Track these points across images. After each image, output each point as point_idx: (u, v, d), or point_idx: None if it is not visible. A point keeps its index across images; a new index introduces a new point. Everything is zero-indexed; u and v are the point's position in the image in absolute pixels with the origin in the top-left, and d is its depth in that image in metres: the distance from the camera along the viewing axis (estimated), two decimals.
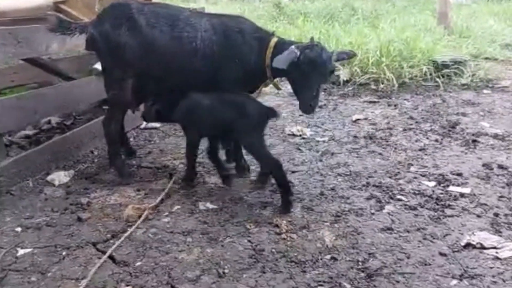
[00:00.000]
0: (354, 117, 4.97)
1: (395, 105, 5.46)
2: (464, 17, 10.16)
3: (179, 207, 2.96)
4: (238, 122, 2.94)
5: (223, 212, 2.89)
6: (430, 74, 6.41)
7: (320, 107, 5.48)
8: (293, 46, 2.94)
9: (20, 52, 3.15)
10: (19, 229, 2.74)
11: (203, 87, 3.27)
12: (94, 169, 3.66)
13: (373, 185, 3.24)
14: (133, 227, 2.70)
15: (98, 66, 3.86)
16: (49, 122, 4.41)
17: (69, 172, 3.49)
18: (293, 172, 3.54)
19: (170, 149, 4.11)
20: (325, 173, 3.51)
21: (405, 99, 5.74)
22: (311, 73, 2.92)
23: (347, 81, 6.46)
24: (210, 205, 2.97)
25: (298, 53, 2.89)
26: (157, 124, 4.66)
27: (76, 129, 3.83)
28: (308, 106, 2.97)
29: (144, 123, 4.68)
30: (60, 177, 3.41)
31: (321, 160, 3.78)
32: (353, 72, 6.53)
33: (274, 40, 3.14)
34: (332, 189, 3.21)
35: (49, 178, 3.39)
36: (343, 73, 6.52)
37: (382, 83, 6.27)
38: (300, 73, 2.94)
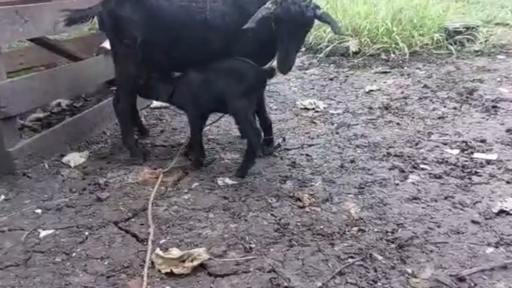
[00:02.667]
0: (367, 88, 4.87)
1: (408, 75, 5.35)
2: None
3: (197, 184, 2.92)
4: (229, 87, 2.87)
5: (243, 188, 2.84)
6: (442, 42, 6.27)
7: (331, 79, 5.40)
8: (268, 2, 2.86)
9: (27, 30, 3.06)
10: (39, 210, 2.71)
11: (213, 57, 3.19)
12: (108, 149, 3.61)
13: (394, 155, 3.18)
14: (151, 200, 2.67)
15: (106, 44, 3.78)
16: (59, 104, 4.34)
17: (84, 153, 3.45)
18: (309, 145, 3.48)
19: (183, 127, 4.04)
20: (343, 145, 3.45)
21: (417, 68, 5.62)
22: (287, 27, 2.80)
23: (356, 53, 6.33)
24: (229, 181, 2.93)
25: (272, 8, 2.80)
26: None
27: (87, 111, 3.76)
28: (285, 63, 2.84)
29: (154, 103, 4.61)
30: (76, 158, 3.37)
31: (337, 133, 3.71)
32: (362, 42, 6.38)
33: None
34: (352, 161, 3.15)
35: (64, 159, 3.35)
36: (352, 44, 6.36)
37: (393, 53, 6.14)
38: (277, 29, 2.84)
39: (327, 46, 6.31)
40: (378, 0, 6.95)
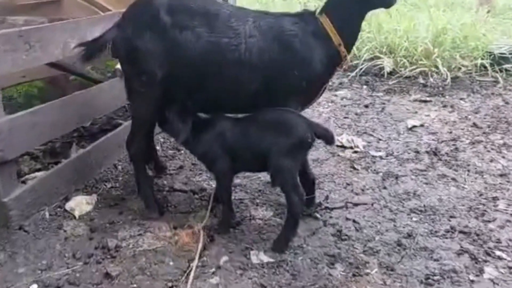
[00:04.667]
0: (409, 123, 4.35)
1: (451, 107, 4.83)
2: None
3: (227, 258, 2.42)
4: (275, 143, 2.39)
5: (282, 270, 2.34)
6: (485, 68, 5.73)
7: (366, 106, 4.88)
8: None
9: (33, 58, 2.54)
10: (35, 286, 2.23)
11: (248, 102, 2.72)
12: (119, 190, 3.12)
13: (460, 232, 2.68)
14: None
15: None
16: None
17: (91, 198, 2.96)
18: (354, 205, 2.98)
19: None
20: (395, 208, 2.95)
21: (461, 99, 5.09)
22: None
23: (391, 73, 5.80)
24: (265, 257, 2.43)
25: None
26: None
27: (97, 142, 3.25)
28: None
29: None
30: (82, 205, 2.88)
31: (385, 187, 3.21)
32: (398, 62, 5.85)
33: (322, 18, 2.64)
34: (409, 235, 2.65)
35: (68, 206, 2.86)
36: (386, 63, 5.83)
37: (431, 77, 5.60)
38: None
39: (359, 64, 5.78)
40: (418, 13, 6.36)
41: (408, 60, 5.78)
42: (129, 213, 2.84)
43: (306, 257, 2.44)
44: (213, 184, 3.22)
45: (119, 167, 3.43)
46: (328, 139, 2.47)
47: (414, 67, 5.72)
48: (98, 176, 3.25)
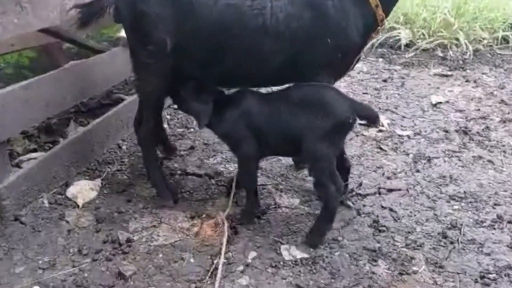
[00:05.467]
0: (433, 100, 4.05)
1: (474, 82, 4.53)
2: None
3: (255, 254, 2.14)
4: (310, 125, 2.06)
5: (319, 267, 2.07)
6: (505, 40, 5.41)
7: (384, 80, 4.57)
8: None
9: (25, 22, 2.16)
10: None
11: (272, 76, 2.39)
12: (126, 174, 2.81)
13: (508, 222, 2.41)
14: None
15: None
16: None
17: (95, 183, 2.63)
18: (388, 190, 2.70)
19: (216, 142, 3.23)
20: (432, 194, 2.67)
21: (483, 73, 4.79)
22: None
23: (407, 45, 5.46)
24: (297, 252, 2.15)
25: None
26: None
27: (98, 120, 2.91)
28: None
29: None
30: (85, 191, 2.56)
31: (418, 171, 2.92)
32: (415, 34, 5.49)
33: None
34: (453, 225, 2.38)
35: (69, 193, 2.54)
36: (404, 34, 5.48)
37: (451, 49, 5.27)
38: None
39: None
40: None
41: (426, 32, 5.42)
42: (139, 201, 2.53)
43: (343, 252, 2.16)
44: (229, 166, 2.93)
45: (124, 147, 3.10)
46: (373, 119, 2.15)
47: (432, 39, 5.38)
48: (100, 157, 2.92)
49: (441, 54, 5.25)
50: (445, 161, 3.05)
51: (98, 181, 2.67)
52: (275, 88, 2.53)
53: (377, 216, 2.44)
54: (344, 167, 2.38)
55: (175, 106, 3.70)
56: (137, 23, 2.22)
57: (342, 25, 2.27)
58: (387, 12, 2.35)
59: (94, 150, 2.86)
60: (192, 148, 3.16)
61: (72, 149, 2.68)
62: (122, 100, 3.53)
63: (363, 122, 3.52)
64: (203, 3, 2.16)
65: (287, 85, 2.30)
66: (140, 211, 2.45)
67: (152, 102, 2.45)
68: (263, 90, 2.48)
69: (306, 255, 2.13)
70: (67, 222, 2.33)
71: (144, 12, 2.17)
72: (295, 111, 2.09)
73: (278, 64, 2.31)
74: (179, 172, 2.84)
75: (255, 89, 2.41)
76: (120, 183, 2.70)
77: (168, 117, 3.58)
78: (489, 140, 3.34)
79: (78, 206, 2.45)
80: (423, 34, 5.41)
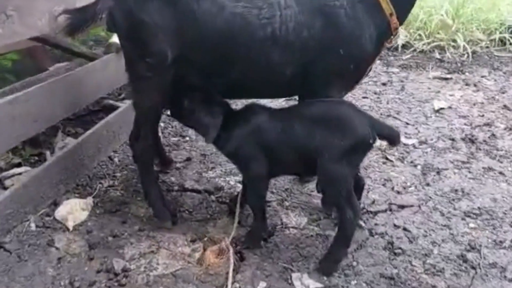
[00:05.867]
0: (436, 105, 3.93)
1: (474, 85, 4.43)
2: None
3: (264, 284, 1.96)
4: (327, 144, 1.90)
5: None
6: (502, 42, 5.34)
7: (384, 84, 4.44)
8: None
9: (11, 32, 1.93)
10: None
11: (281, 89, 2.25)
12: (119, 190, 2.60)
13: None
14: None
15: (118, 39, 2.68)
16: None
17: (86, 202, 2.43)
18: (399, 207, 2.56)
19: (214, 152, 3.05)
20: (446, 210, 2.54)
21: (482, 76, 4.69)
22: None
23: (404, 46, 5.35)
24: (310, 281, 1.98)
25: None
26: None
27: (89, 132, 2.69)
28: None
29: None
30: (75, 211, 2.35)
31: (428, 184, 2.79)
32: (412, 35, 5.38)
33: None
34: (472, 247, 2.25)
35: (58, 214, 2.33)
36: (400, 35, 5.35)
37: (448, 51, 5.18)
38: None
39: None
40: None
41: (422, 33, 5.31)
42: (135, 222, 2.34)
43: (360, 281, 2.00)
44: (230, 180, 2.75)
45: (116, 159, 2.90)
46: (394, 139, 2.00)
47: (429, 40, 5.28)
48: (91, 172, 2.71)
49: (438, 56, 5.16)
50: (454, 173, 2.92)
51: (89, 200, 2.46)
52: (281, 101, 2.35)
53: (391, 237, 2.30)
54: (358, 186, 2.22)
55: (169, 113, 3.55)
56: (135, 33, 2.02)
57: (355, 35, 2.12)
58: (401, 20, 2.21)
59: (85, 164, 2.65)
60: (188, 159, 2.97)
61: (61, 165, 2.46)
62: (112, 106, 3.32)
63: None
64: (206, 11, 1.98)
65: (300, 101, 2.13)
66: (136, 234, 2.25)
67: (150, 118, 2.25)
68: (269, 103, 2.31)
69: (320, 285, 1.97)
70: (57, 248, 2.13)
71: (142, 20, 1.97)
72: (311, 129, 1.92)
73: (288, 76, 2.16)
74: (176, 187, 2.65)
75: (262, 103, 2.24)
76: (113, 201, 2.50)
77: (162, 124, 3.38)
78: (497, 150, 3.22)
79: (68, 229, 2.25)
80: (420, 35, 5.30)
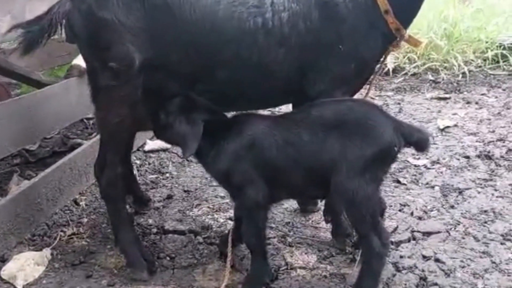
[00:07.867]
0: (440, 124, 3.61)
1: (476, 103, 4.16)
2: None
3: None
4: (344, 155, 1.50)
5: None
6: (494, 60, 5.14)
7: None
8: None
9: None
10: None
11: (273, 93, 1.93)
12: (85, 239, 2.14)
13: None
14: None
15: (81, 61, 2.32)
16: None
17: (42, 254, 1.96)
18: (424, 234, 2.13)
19: (199, 188, 2.64)
20: (481, 235, 2.12)
21: (482, 94, 4.43)
22: None
23: (394, 70, 5.11)
24: None
25: None
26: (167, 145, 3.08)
27: (49, 169, 2.26)
28: None
29: (149, 143, 3.16)
30: (27, 266, 1.88)
31: (452, 206, 2.38)
32: (400, 58, 5.16)
33: None
34: None
35: (5, 272, 1.85)
36: (389, 59, 5.12)
37: (442, 72, 4.94)
38: None
39: None
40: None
41: (412, 55, 5.10)
42: (103, 275, 1.87)
43: None
44: (219, 217, 2.32)
45: (82, 203, 2.44)
46: (423, 144, 1.61)
47: (419, 62, 5.06)
48: (51, 219, 2.25)
49: (431, 78, 4.91)
50: (479, 192, 2.53)
51: (47, 252, 1.99)
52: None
53: (423, 271, 1.86)
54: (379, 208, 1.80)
55: (146, 149, 3.14)
56: (96, 35, 1.68)
57: (358, 28, 1.80)
58: (403, 20, 1.86)
59: (42, 209, 2.19)
60: (169, 197, 2.54)
61: (11, 211, 2.01)
62: (80, 145, 2.91)
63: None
64: (183, 2, 1.64)
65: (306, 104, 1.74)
66: None
67: (119, 139, 1.84)
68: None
69: None
70: None
71: (103, 19, 1.64)
72: (323, 137, 1.53)
73: (281, 78, 1.83)
74: (154, 230, 2.21)
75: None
76: (76, 251, 2.03)
77: (138, 162, 2.96)
78: None
79: None
80: (409, 59, 5.09)
